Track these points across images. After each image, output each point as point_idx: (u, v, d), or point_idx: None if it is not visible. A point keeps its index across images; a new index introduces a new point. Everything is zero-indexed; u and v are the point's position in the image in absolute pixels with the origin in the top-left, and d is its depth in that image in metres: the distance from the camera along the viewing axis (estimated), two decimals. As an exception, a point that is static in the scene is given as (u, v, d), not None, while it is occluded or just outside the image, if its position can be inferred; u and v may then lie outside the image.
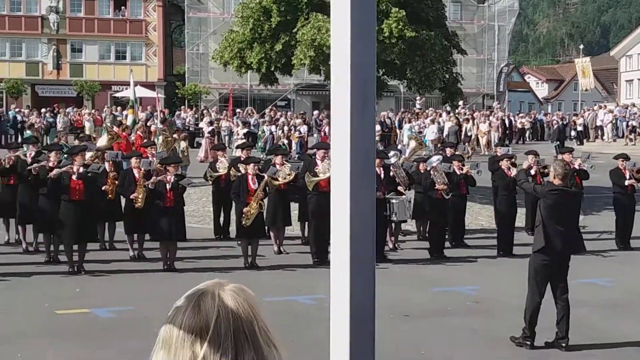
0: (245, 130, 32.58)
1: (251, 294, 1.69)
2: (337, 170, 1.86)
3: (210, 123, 34.23)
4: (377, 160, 13.52)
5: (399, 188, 15.12)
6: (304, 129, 34.78)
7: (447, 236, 15.70)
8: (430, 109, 42.10)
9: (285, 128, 34.67)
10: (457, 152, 18.14)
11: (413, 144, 18.61)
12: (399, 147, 24.54)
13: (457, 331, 9.99)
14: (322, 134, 34.47)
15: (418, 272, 13.74)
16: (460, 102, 39.35)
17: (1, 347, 8.75)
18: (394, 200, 14.80)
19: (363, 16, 1.81)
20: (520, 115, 46.35)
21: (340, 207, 1.85)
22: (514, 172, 15.59)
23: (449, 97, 26.60)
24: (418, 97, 40.68)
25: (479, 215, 19.82)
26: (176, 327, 1.60)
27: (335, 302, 1.86)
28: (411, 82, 24.77)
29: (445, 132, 35.88)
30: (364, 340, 1.84)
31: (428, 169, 15.37)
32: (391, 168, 15.28)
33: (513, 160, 16.79)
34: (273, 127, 34.67)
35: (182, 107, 43.03)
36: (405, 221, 15.92)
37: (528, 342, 9.25)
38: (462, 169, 15.64)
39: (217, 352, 1.57)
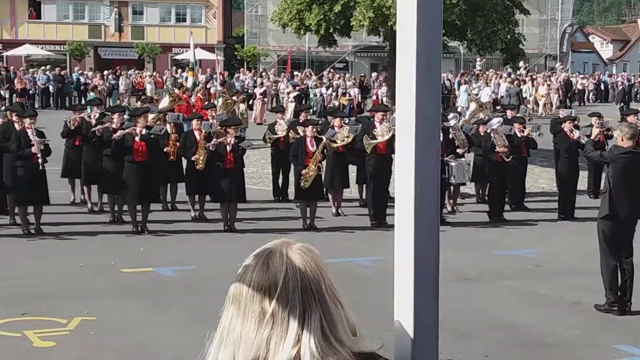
0: (296, 93, 32.60)
1: (318, 253, 1.71)
2: (402, 129, 1.86)
3: (262, 84, 34.35)
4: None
5: (458, 150, 15.00)
6: (354, 91, 34.61)
7: (506, 199, 15.55)
8: (490, 70, 41.42)
9: (340, 90, 34.56)
10: (518, 114, 17.87)
11: (473, 106, 18.37)
12: (459, 109, 24.27)
13: (517, 294, 9.96)
14: (374, 97, 34.23)
15: (477, 235, 13.68)
16: (522, 64, 38.63)
17: (69, 304, 9.05)
18: (452, 163, 14.69)
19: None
20: (581, 76, 45.25)
21: (405, 168, 1.85)
22: (576, 134, 15.32)
23: (510, 58, 26.14)
24: (478, 59, 40.02)
25: (540, 178, 19.56)
26: (245, 284, 1.64)
27: (400, 263, 1.89)
28: (472, 43, 24.39)
29: (501, 94, 35.24)
30: (428, 300, 1.86)
31: (488, 131, 15.20)
32: (450, 130, 15.16)
33: (576, 122, 16.48)
34: (324, 90, 34.57)
35: (241, 69, 43.22)
36: (464, 184, 15.82)
37: (615, 308, 9.08)
38: (523, 132, 15.43)
39: (285, 309, 1.60)
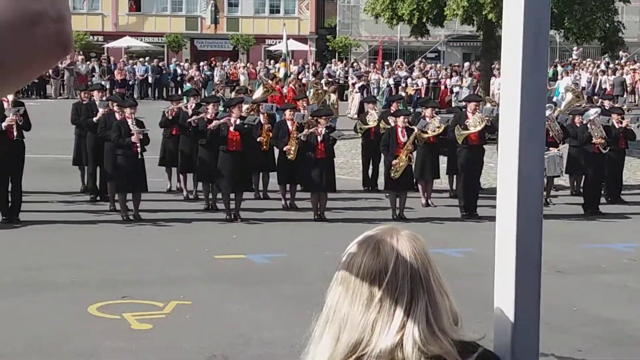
0: (361, 83, 32.34)
1: (424, 241, 1.74)
2: (506, 117, 1.87)
3: (360, 77, 34.25)
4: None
5: (550, 143, 14.68)
6: (421, 82, 34.31)
7: (602, 192, 15.16)
8: (588, 59, 40.27)
9: (420, 81, 34.23)
10: (617, 105, 17.36)
11: (570, 96, 17.95)
12: (554, 99, 23.73)
13: (612, 288, 9.73)
14: (443, 87, 33.79)
15: (571, 228, 13.39)
16: (621, 53, 37.41)
17: (166, 288, 9.37)
18: (544, 155, 14.41)
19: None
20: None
21: (508, 156, 1.87)
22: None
23: (609, 47, 25.43)
24: (575, 47, 38.99)
25: (638, 171, 18.96)
26: (355, 267, 1.67)
27: (501, 255, 1.89)
28: (569, 31, 23.83)
29: (583, 84, 34.01)
30: (531, 290, 1.87)
31: (585, 122, 14.83)
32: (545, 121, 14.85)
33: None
34: (391, 81, 34.39)
35: (333, 60, 43.37)
36: (558, 176, 15.49)
37: None
38: (621, 122, 14.99)
39: (394, 294, 1.63)
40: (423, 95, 32.74)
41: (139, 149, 12.81)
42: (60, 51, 1.24)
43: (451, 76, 36.37)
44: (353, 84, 32.60)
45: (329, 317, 1.68)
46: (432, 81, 36.61)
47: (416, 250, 1.68)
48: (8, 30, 1.18)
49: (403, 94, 31.60)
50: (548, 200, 15.23)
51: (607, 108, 16.21)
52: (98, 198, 14.39)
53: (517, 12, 1.81)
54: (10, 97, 12.54)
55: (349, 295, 1.66)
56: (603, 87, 34.08)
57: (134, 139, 12.76)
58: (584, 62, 39.34)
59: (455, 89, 34.47)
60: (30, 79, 1.30)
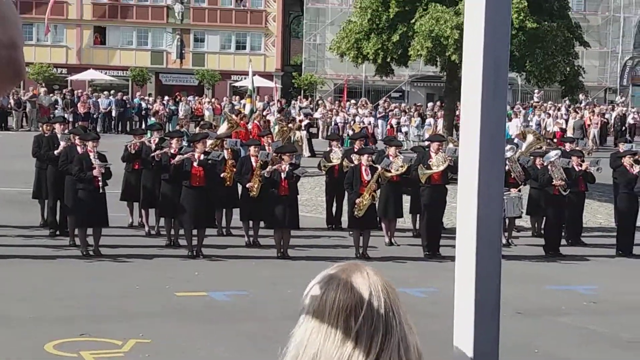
0: (307, 121, 32.36)
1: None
2: (466, 157, 1.89)
3: (306, 116, 34.18)
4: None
5: (510, 186, 14.83)
6: (370, 120, 34.76)
7: (563, 234, 15.33)
8: (549, 102, 40.98)
9: (368, 120, 34.54)
10: (577, 148, 17.65)
11: (531, 138, 18.22)
12: (515, 140, 24.06)
13: (572, 331, 9.80)
14: (389, 126, 34.01)
15: (532, 270, 13.50)
16: (581, 96, 38.17)
17: (125, 326, 9.21)
18: (504, 197, 14.56)
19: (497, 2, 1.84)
20: (635, 110, 44.33)
21: (467, 197, 1.87)
22: (636, 169, 15.06)
23: (569, 90, 25.88)
24: (536, 90, 39.68)
25: (598, 213, 19.23)
26: (329, 302, 1.64)
27: (461, 296, 1.89)
28: (530, 74, 24.23)
29: (533, 126, 34.57)
30: (489, 331, 1.87)
31: (545, 164, 15.05)
32: (507, 162, 15.04)
33: (636, 157, 16.19)
34: (339, 119, 34.83)
35: (298, 97, 43.61)
36: (519, 217, 15.65)
37: None
38: (581, 165, 15.24)
39: (370, 328, 1.61)
40: (371, 135, 33.12)
41: (100, 183, 12.67)
42: (13, 77, 1.23)
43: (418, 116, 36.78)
44: (300, 121, 32.11)
45: (299, 353, 1.65)
46: (394, 120, 37.03)
47: (387, 285, 1.67)
48: None
49: (350, 132, 31.73)
50: (510, 241, 15.35)
51: (567, 150, 16.47)
52: (58, 232, 14.18)
53: (477, 53, 1.84)
54: None
55: (323, 330, 1.63)
56: (548, 129, 34.81)
57: (95, 172, 12.63)
58: (545, 104, 40.03)
59: (404, 129, 34.72)
60: None
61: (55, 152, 13.89)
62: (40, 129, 16.01)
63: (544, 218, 15.45)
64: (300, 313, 1.69)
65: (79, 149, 13.25)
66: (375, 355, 1.60)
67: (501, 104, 1.87)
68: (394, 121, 35.60)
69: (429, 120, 34.32)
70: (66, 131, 14.76)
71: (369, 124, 33.94)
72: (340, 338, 1.62)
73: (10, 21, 1.24)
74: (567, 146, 17.23)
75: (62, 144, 13.88)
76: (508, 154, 15.26)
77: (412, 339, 1.66)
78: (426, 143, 17.58)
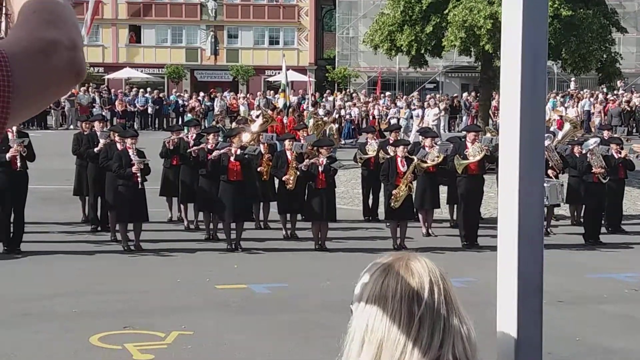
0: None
1: None
2: (506, 148, 1.91)
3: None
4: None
5: (549, 172, 14.76)
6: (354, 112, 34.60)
7: (603, 221, 15.19)
8: (585, 90, 40.50)
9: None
10: (615, 135, 17.46)
11: (568, 126, 18.05)
12: (552, 129, 23.85)
13: (614, 319, 9.73)
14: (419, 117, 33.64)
15: (572, 258, 13.41)
16: (619, 83, 37.63)
17: (167, 318, 9.36)
18: (545, 184, 14.47)
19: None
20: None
21: (508, 186, 1.90)
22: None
23: (606, 77, 25.56)
24: (573, 78, 39.23)
25: (638, 201, 19.01)
26: (391, 288, 1.65)
27: (503, 283, 1.91)
28: (565, 62, 24.00)
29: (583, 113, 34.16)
30: (532, 318, 1.89)
31: (584, 152, 14.92)
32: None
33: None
34: (354, 112, 34.71)
35: (327, 91, 43.57)
36: (558, 205, 15.54)
37: None
38: (620, 153, 15.07)
39: (432, 314, 1.62)
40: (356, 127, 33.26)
41: (139, 179, 12.86)
42: (74, 77, 1.30)
43: (451, 107, 36.51)
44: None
45: (364, 339, 1.65)
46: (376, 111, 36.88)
47: (443, 273, 1.69)
48: (25, 58, 1.24)
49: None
50: (548, 230, 15.25)
51: (605, 138, 16.30)
52: (99, 228, 14.42)
53: (515, 42, 1.86)
54: (14, 128, 12.61)
55: (387, 316, 1.63)
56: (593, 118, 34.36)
57: (134, 169, 12.82)
58: (582, 92, 39.57)
59: (393, 120, 34.11)
60: (45, 104, 1.36)
61: (95, 149, 14.12)
62: (80, 127, 16.27)
63: (584, 206, 15.33)
64: (355, 300, 1.70)
65: (118, 146, 13.45)
66: (440, 340, 1.62)
67: (540, 93, 1.89)
68: (376, 111, 35.32)
69: (417, 111, 33.84)
70: (105, 129, 14.99)
71: (418, 116, 33.65)
72: (405, 323, 1.62)
73: (70, 23, 1.31)
74: (606, 134, 17.04)
75: (102, 141, 14.10)
76: (545, 143, 15.16)
77: (470, 327, 1.67)
78: (462, 133, 17.52)
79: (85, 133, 14.95)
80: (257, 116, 20.00)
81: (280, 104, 25.64)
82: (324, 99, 38.20)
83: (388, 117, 34.50)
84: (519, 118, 1.86)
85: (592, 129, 33.25)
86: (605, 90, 37.03)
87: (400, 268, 1.67)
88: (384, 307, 1.64)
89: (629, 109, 36.89)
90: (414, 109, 34.15)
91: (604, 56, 24.06)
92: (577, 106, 36.16)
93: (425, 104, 34.40)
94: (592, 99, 37.13)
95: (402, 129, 25.44)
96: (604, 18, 23.83)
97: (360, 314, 1.67)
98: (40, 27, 1.27)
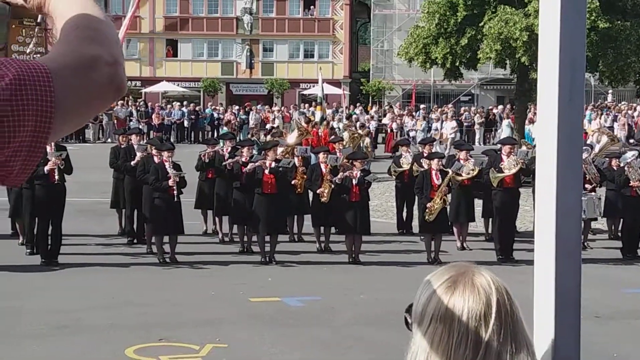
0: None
1: None
2: (543, 161, 1.89)
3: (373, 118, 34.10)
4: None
5: (586, 185, 14.57)
6: (373, 125, 34.26)
7: (641, 236, 14.94)
8: (623, 102, 39.99)
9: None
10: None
11: (605, 139, 17.83)
12: (588, 141, 23.58)
13: (652, 335, 9.56)
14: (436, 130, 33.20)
15: (609, 273, 13.21)
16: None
17: (201, 331, 9.40)
18: (583, 197, 14.28)
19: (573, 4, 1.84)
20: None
21: (545, 200, 1.87)
22: None
23: (645, 90, 25.27)
24: (610, 90, 38.79)
25: (678, 215, 18.66)
26: (457, 308, 1.54)
27: (540, 296, 1.89)
28: (603, 74, 23.76)
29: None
30: (570, 334, 1.86)
31: (622, 165, 14.72)
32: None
33: None
34: (410, 123, 34.50)
35: (357, 104, 43.54)
36: (595, 219, 15.34)
37: None
38: (659, 166, 14.83)
39: (499, 338, 1.52)
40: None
41: (175, 192, 12.96)
42: (115, 92, 1.32)
43: (486, 119, 36.26)
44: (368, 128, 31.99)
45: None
46: (465, 124, 36.70)
47: (508, 289, 1.58)
48: (67, 74, 1.26)
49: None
50: (586, 244, 15.05)
51: (644, 151, 16.05)
52: (135, 241, 14.55)
53: (553, 54, 1.84)
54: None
55: (453, 337, 1.52)
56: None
57: (170, 182, 12.92)
58: (620, 104, 39.06)
59: (412, 133, 34.00)
60: (87, 119, 1.38)
61: (132, 162, 14.27)
62: (117, 140, 16.47)
63: (621, 220, 15.10)
64: (417, 318, 1.59)
65: (155, 159, 13.58)
66: None
67: (578, 105, 1.87)
68: (394, 125, 35.11)
69: (435, 124, 33.65)
70: (142, 142, 15.14)
71: (436, 129, 33.55)
72: (472, 347, 1.52)
73: (111, 39, 1.34)
74: (644, 146, 16.79)
75: (139, 154, 14.25)
76: (583, 155, 14.98)
77: (534, 351, 1.58)
78: (498, 146, 17.38)
79: (123, 146, 15.12)
80: (292, 129, 20.10)
81: (317, 117, 25.72)
82: (356, 112, 38.23)
83: (406, 130, 34.46)
84: (557, 130, 1.85)
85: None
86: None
87: (465, 286, 1.55)
88: (450, 329, 1.53)
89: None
90: (432, 122, 34.12)
91: (642, 68, 23.80)
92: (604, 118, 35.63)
93: (443, 116, 34.30)
94: (615, 111, 36.56)
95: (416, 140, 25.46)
96: (642, 30, 23.57)
97: (424, 334, 1.56)
98: (82, 43, 1.30)
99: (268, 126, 26.82)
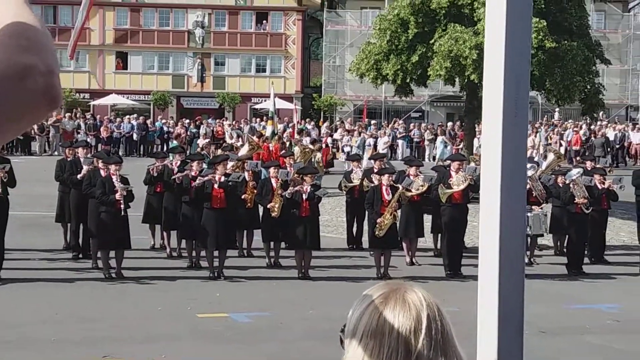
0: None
1: None
2: (488, 176, 1.90)
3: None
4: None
5: (533, 207, 14.77)
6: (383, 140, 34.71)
7: (586, 252, 15.22)
8: (569, 120, 40.81)
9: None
10: (598, 165, 17.57)
11: (551, 156, 18.14)
12: (536, 159, 23.97)
13: (596, 350, 9.71)
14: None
15: (555, 288, 13.40)
16: (601, 114, 37.95)
17: (147, 347, 9.26)
18: (528, 214, 14.50)
19: (518, 14, 1.85)
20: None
21: (489, 215, 1.88)
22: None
23: (589, 108, 25.76)
24: (557, 109, 39.54)
25: (621, 231, 19.07)
26: (388, 322, 1.57)
27: (484, 315, 1.89)
28: (550, 93, 24.19)
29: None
30: (513, 350, 1.86)
31: (567, 182, 14.98)
32: (528, 181, 14.98)
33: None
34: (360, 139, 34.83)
35: (306, 119, 43.61)
36: (541, 235, 15.56)
37: None
38: (603, 183, 15.14)
39: (430, 349, 1.55)
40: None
41: (122, 206, 12.77)
42: (49, 104, 1.27)
43: (437, 135, 36.69)
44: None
45: None
46: (415, 140, 37.24)
47: (439, 305, 1.62)
48: None
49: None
50: (532, 260, 15.26)
51: (589, 169, 16.38)
52: (80, 255, 14.28)
53: (498, 71, 1.85)
54: None
55: (384, 352, 1.55)
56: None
57: (117, 196, 12.74)
58: (566, 122, 39.87)
59: (346, 149, 34.19)
60: (20, 131, 1.33)
61: (79, 176, 14.02)
62: (63, 153, 16.17)
63: (567, 236, 15.35)
64: (349, 334, 1.61)
65: (102, 172, 13.38)
66: None
67: (523, 122, 1.88)
68: (329, 139, 35.28)
69: (369, 140, 34.15)
70: (89, 155, 14.91)
71: (369, 145, 33.62)
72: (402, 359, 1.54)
73: (47, 49, 1.29)
74: (589, 164, 17.13)
75: (85, 167, 14.01)
76: (529, 173, 15.22)
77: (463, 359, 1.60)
78: (447, 162, 17.56)
79: (69, 159, 14.87)
80: (241, 145, 20.01)
81: (268, 131, 25.65)
82: (310, 128, 38.28)
83: (342, 145, 34.84)
84: (501, 145, 1.85)
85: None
86: (588, 120, 37.31)
87: (397, 302, 1.59)
88: (380, 343, 1.56)
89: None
90: (366, 138, 34.56)
91: (588, 87, 24.28)
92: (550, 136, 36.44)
93: (378, 132, 35.08)
94: (547, 129, 37.48)
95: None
96: (587, 50, 24.07)
97: (355, 349, 1.58)
98: (16, 52, 1.25)
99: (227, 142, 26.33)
